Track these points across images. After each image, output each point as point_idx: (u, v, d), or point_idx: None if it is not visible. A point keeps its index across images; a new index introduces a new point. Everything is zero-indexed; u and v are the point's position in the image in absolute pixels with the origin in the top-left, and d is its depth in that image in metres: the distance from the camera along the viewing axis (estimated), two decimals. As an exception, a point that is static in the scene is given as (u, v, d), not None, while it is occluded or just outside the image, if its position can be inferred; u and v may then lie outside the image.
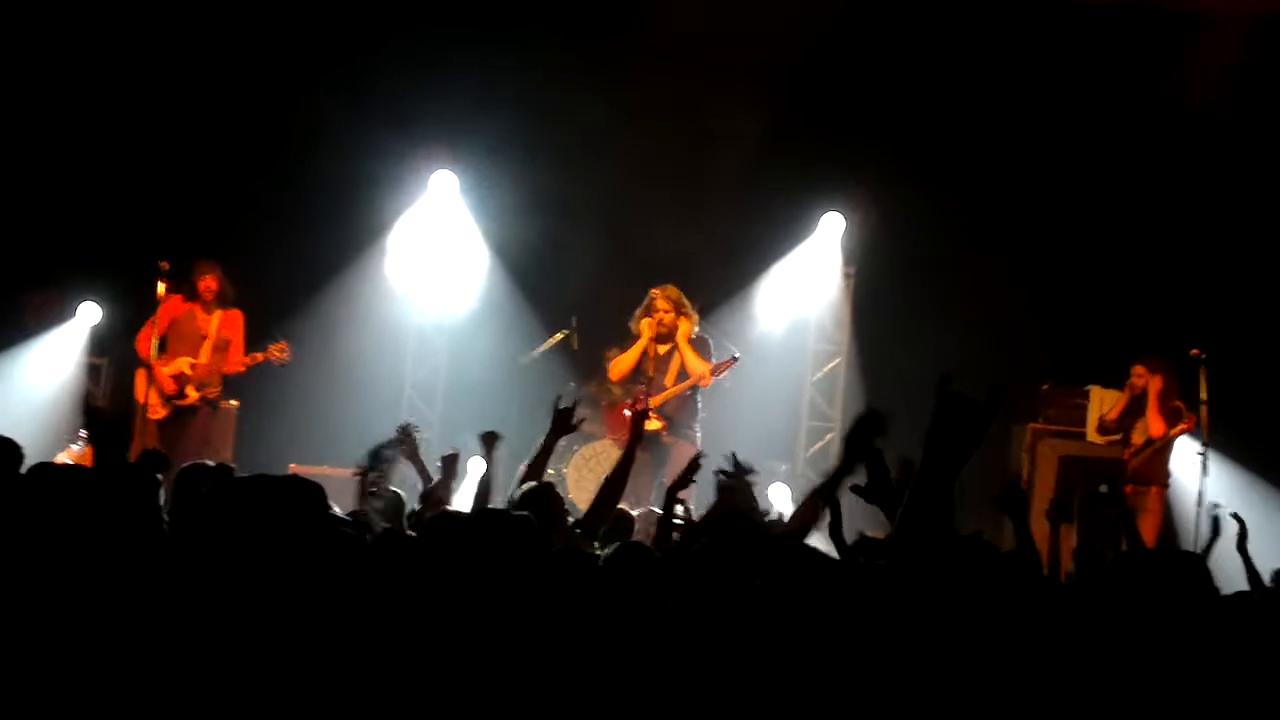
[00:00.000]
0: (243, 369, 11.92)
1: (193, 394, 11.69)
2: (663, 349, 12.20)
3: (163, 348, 11.69)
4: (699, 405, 12.33)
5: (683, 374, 12.15)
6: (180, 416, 11.73)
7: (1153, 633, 3.92)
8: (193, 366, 11.67)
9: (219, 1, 13.83)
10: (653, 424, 11.64)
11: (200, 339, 11.74)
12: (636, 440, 7.40)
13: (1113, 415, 12.30)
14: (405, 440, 7.67)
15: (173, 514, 5.47)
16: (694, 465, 7.02)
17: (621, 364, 12.35)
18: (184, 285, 11.74)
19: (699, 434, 12.15)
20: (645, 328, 12.16)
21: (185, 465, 6.97)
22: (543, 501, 6.34)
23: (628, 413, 11.54)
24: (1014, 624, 4.19)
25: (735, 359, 12.40)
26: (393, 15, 13.86)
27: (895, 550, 3.25)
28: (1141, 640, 3.92)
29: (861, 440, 4.88)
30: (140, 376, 11.84)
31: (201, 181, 13.59)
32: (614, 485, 7.08)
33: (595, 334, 13.18)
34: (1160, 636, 3.90)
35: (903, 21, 14.01)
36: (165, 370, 11.66)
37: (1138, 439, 12.03)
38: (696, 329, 12.28)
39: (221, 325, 11.79)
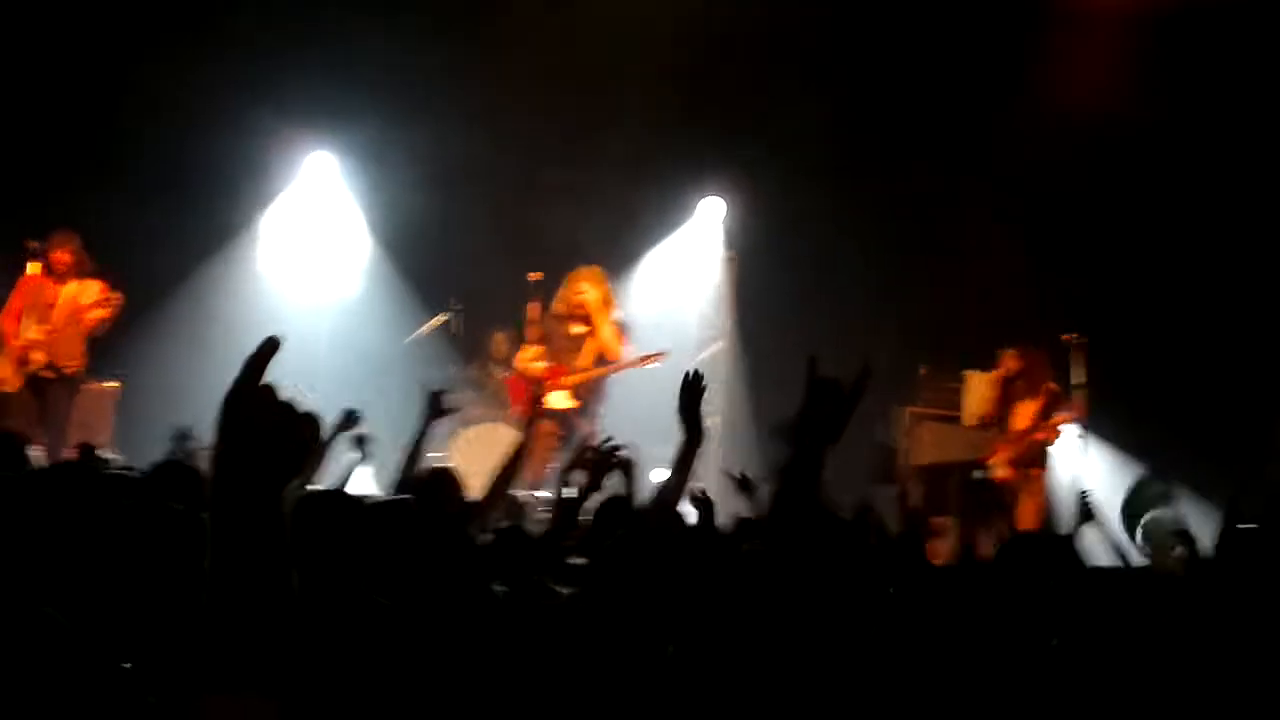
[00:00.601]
0: (83, 328, 11.36)
1: (38, 358, 11.28)
2: (575, 329, 12.06)
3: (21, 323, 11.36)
4: (606, 390, 12.27)
5: (599, 355, 12.05)
6: (34, 389, 11.33)
7: (1029, 610, 4.01)
8: (47, 333, 11.27)
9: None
10: (566, 401, 11.72)
11: (48, 308, 11.33)
12: (530, 430, 7.47)
13: (988, 408, 12.44)
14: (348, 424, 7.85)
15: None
16: (586, 447, 7.04)
17: (520, 360, 12.36)
18: (39, 255, 11.36)
19: (601, 417, 12.09)
20: (574, 304, 12.06)
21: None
22: (441, 486, 6.40)
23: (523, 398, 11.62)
24: (891, 605, 4.26)
25: (664, 353, 12.25)
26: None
27: (768, 532, 3.28)
28: (1020, 617, 4.00)
29: (690, 407, 5.02)
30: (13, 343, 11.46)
31: (73, 159, 13.34)
32: (509, 471, 7.09)
33: (477, 317, 13.15)
34: (1036, 613, 3.98)
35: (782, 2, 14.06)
36: (16, 342, 11.32)
37: (1019, 424, 12.10)
38: (619, 313, 12.26)
39: (77, 294, 11.36)
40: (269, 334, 2.28)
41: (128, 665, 3.00)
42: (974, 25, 13.85)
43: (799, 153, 13.80)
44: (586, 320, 12.00)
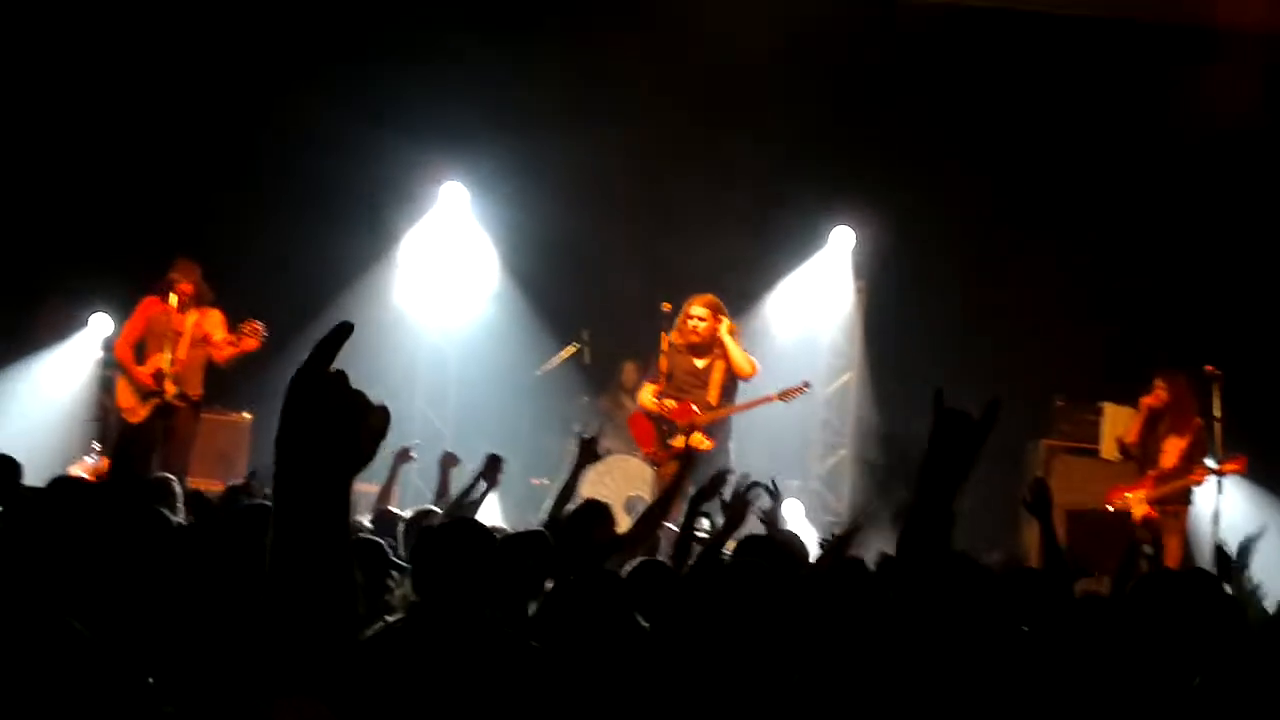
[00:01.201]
0: (224, 359, 11.44)
1: (170, 388, 11.34)
2: (700, 362, 11.42)
3: (141, 351, 11.44)
4: (731, 423, 11.70)
5: (728, 387, 11.45)
6: (160, 417, 11.37)
7: (1174, 651, 3.92)
8: (172, 362, 11.41)
9: (228, 5, 13.86)
10: (703, 443, 11.14)
11: (175, 336, 11.40)
12: (687, 471, 7.52)
13: (1132, 438, 11.76)
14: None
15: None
16: (719, 479, 7.07)
17: (644, 399, 11.66)
18: (160, 285, 11.43)
19: (732, 452, 11.46)
20: (687, 332, 11.35)
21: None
22: (594, 517, 6.55)
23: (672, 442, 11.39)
24: (1023, 642, 4.18)
25: (806, 385, 11.87)
26: (404, 22, 13.87)
27: (897, 572, 3.23)
28: (1160, 656, 3.91)
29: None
30: (120, 381, 11.61)
31: (211, 190, 13.59)
32: (661, 510, 7.19)
33: (607, 347, 13.17)
34: (1178, 652, 3.89)
35: (915, 36, 13.99)
36: (143, 370, 11.39)
37: (1166, 460, 11.49)
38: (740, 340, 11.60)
39: (198, 323, 11.46)
40: (344, 321, 2.19)
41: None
42: (1115, 49, 13.70)
43: (930, 183, 13.72)
44: (704, 351, 11.39)
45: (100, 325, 13.77)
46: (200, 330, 11.45)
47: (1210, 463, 11.28)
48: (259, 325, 11.27)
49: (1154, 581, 4.38)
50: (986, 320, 13.80)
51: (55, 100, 13.48)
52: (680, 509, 7.35)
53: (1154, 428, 11.66)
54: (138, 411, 11.35)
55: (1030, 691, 3.83)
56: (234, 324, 11.40)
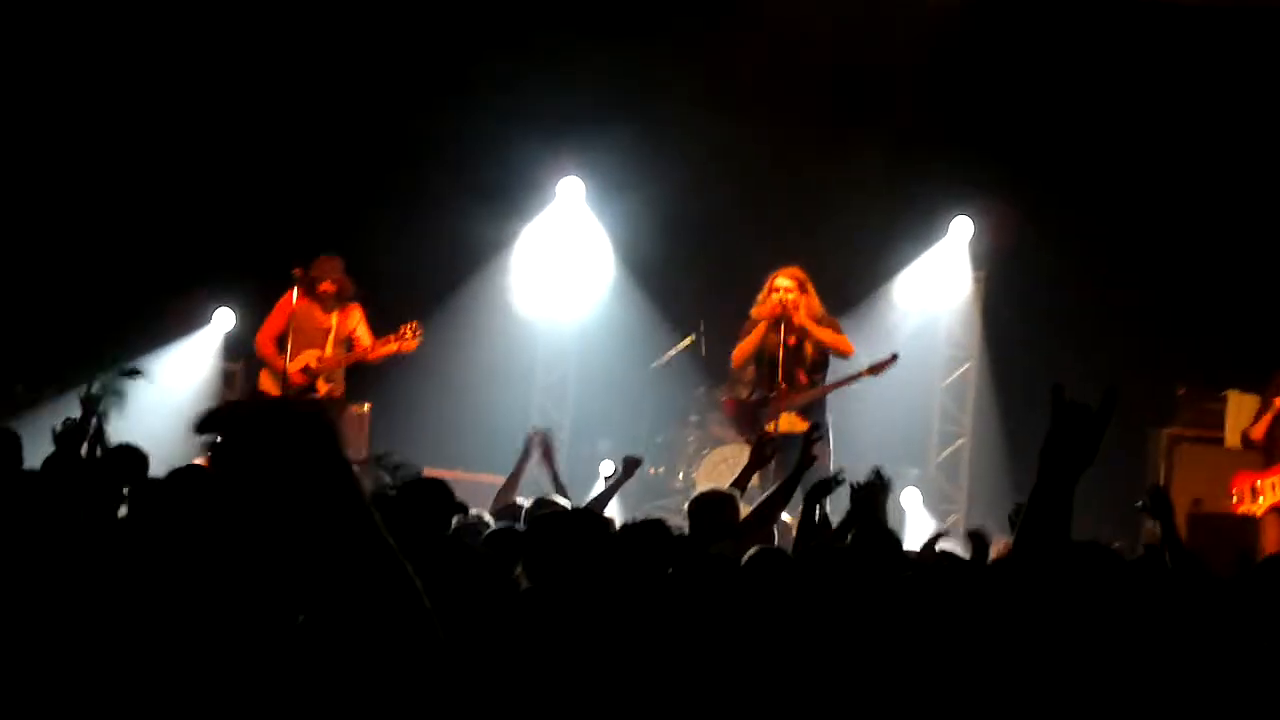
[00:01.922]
0: (377, 358, 11.50)
1: (322, 386, 11.41)
2: (792, 339, 10.88)
3: (282, 346, 11.39)
4: (826, 396, 11.25)
5: (817, 363, 11.04)
6: None
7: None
8: (320, 359, 11.47)
9: (349, 5, 14.01)
10: (798, 425, 10.58)
11: (323, 334, 11.43)
12: (806, 467, 7.46)
13: (1259, 434, 11.12)
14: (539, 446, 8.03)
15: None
16: (832, 479, 7.13)
17: (743, 349, 11.06)
18: (303, 281, 11.37)
19: (831, 431, 10.97)
20: (774, 305, 10.81)
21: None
22: (722, 507, 6.59)
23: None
24: (1151, 632, 4.13)
25: (895, 357, 11.31)
26: (521, 18, 13.94)
27: (1015, 564, 3.21)
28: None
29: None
30: (264, 375, 11.62)
31: (333, 187, 13.75)
32: (774, 505, 7.20)
33: (722, 339, 13.17)
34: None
35: (1039, 24, 13.86)
36: (291, 366, 11.34)
37: None
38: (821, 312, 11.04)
39: (342, 320, 11.51)
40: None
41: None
42: (1239, 39, 13.48)
43: (1050, 170, 13.60)
44: (790, 326, 10.82)
45: (223, 320, 13.96)
46: (345, 329, 11.50)
47: None
48: (419, 327, 11.34)
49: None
50: (1106, 310, 13.65)
51: (187, 95, 13.68)
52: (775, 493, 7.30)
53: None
54: None
55: (1159, 678, 3.79)
56: (382, 329, 11.47)
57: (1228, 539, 10.40)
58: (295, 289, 11.30)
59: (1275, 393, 11.06)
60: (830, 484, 7.03)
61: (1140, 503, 6.37)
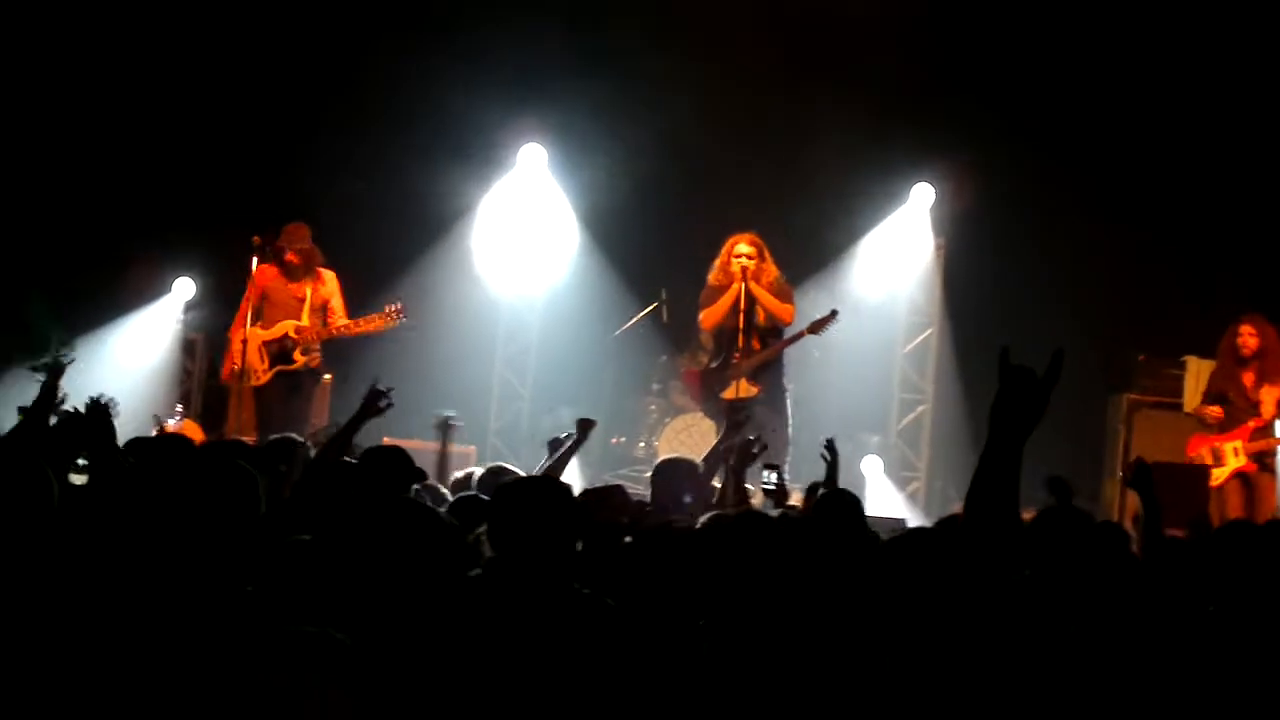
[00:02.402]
0: (352, 331, 11.43)
1: (299, 358, 11.26)
2: (749, 306, 11.11)
3: (258, 317, 11.29)
4: (785, 363, 11.48)
5: (770, 330, 11.24)
6: (282, 382, 11.30)
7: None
8: (297, 330, 11.40)
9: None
10: (750, 390, 10.99)
11: (298, 303, 11.32)
12: (728, 439, 7.48)
13: (1220, 388, 11.12)
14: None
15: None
16: (751, 446, 7.16)
17: (715, 313, 11.26)
18: (264, 250, 11.21)
19: (789, 397, 11.39)
20: (734, 272, 11.10)
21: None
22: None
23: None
24: (1096, 597, 4.17)
25: (835, 313, 11.29)
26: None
27: (966, 528, 3.24)
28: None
29: None
30: (238, 344, 11.34)
31: (294, 154, 13.66)
32: (710, 465, 7.23)
33: (685, 306, 13.18)
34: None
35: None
36: (267, 335, 11.27)
37: (1267, 412, 10.88)
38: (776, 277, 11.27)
39: (316, 288, 11.40)
40: None
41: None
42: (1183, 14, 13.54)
43: (1010, 138, 13.62)
44: (749, 293, 11.05)
45: (183, 289, 13.90)
46: (320, 297, 11.41)
47: None
48: (402, 308, 11.31)
49: (1237, 533, 4.35)
50: (1067, 277, 13.70)
51: (137, 62, 13.56)
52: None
53: (1236, 375, 11.11)
54: (261, 376, 11.31)
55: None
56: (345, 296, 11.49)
57: (1179, 487, 10.44)
58: (259, 263, 11.18)
59: (1229, 340, 11.13)
60: (749, 452, 7.07)
61: (1121, 474, 6.44)
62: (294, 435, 7.57)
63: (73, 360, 7.80)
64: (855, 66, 13.69)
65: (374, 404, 6.71)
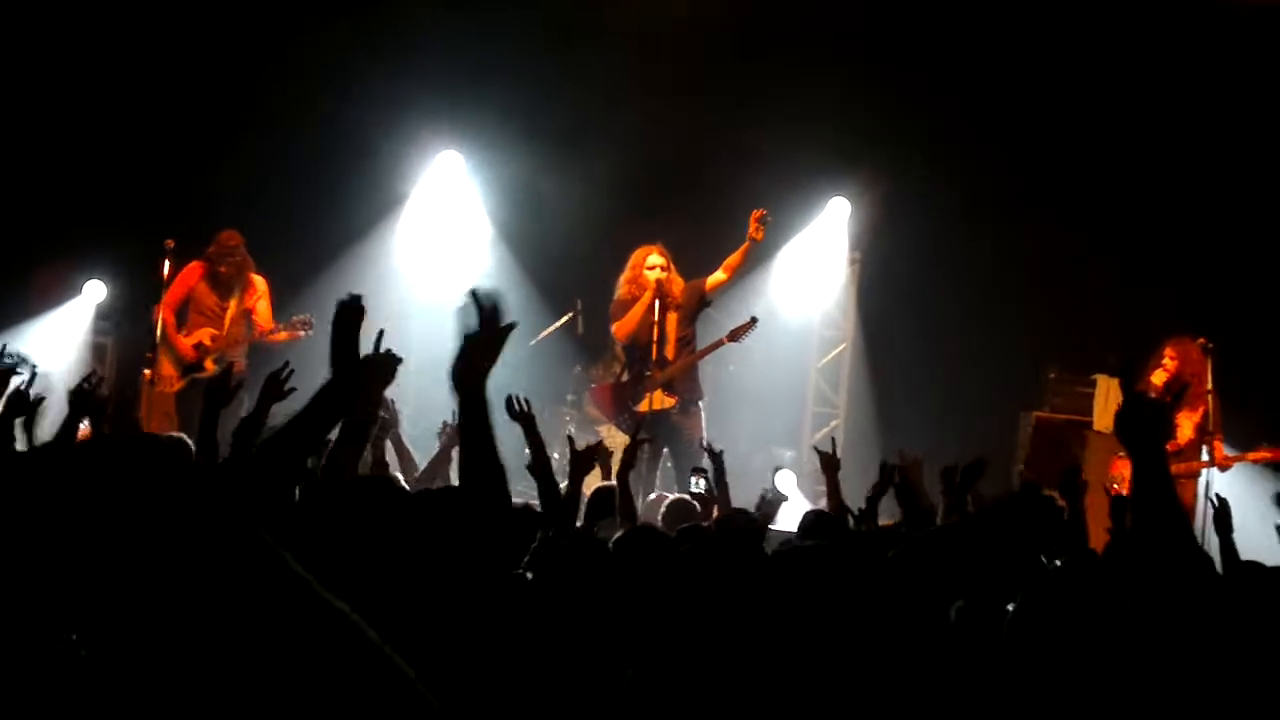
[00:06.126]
0: (270, 340, 11.50)
1: (210, 366, 11.21)
2: (661, 317, 11.19)
3: (182, 319, 11.47)
4: (699, 376, 11.58)
5: (683, 339, 11.28)
6: (197, 389, 10.97)
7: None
8: (214, 338, 11.43)
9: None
10: (666, 401, 11.04)
11: (220, 311, 11.49)
12: (630, 456, 7.44)
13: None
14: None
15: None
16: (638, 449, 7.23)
17: (628, 323, 11.29)
18: (204, 255, 11.48)
19: (704, 410, 11.38)
20: (647, 283, 11.19)
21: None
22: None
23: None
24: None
25: (754, 321, 11.32)
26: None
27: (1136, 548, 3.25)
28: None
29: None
30: (161, 350, 11.44)
31: (209, 156, 13.53)
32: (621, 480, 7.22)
33: (600, 316, 13.16)
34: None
35: (913, 5, 13.96)
36: (186, 341, 11.42)
37: (1181, 436, 10.89)
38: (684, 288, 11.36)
39: (243, 297, 11.54)
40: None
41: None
42: (1107, 13, 13.67)
43: (926, 154, 13.70)
44: (664, 304, 11.14)
45: (94, 292, 13.74)
46: (246, 305, 11.54)
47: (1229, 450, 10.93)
48: (310, 319, 11.39)
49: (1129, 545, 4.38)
50: (979, 293, 13.80)
51: (49, 63, 13.40)
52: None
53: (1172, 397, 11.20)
54: (174, 383, 11.36)
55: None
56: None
57: (1056, 444, 10.59)
58: (170, 266, 11.33)
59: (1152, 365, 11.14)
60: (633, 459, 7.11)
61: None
62: (183, 436, 7.47)
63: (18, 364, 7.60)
64: (770, 78, 13.74)
65: (274, 388, 6.70)
